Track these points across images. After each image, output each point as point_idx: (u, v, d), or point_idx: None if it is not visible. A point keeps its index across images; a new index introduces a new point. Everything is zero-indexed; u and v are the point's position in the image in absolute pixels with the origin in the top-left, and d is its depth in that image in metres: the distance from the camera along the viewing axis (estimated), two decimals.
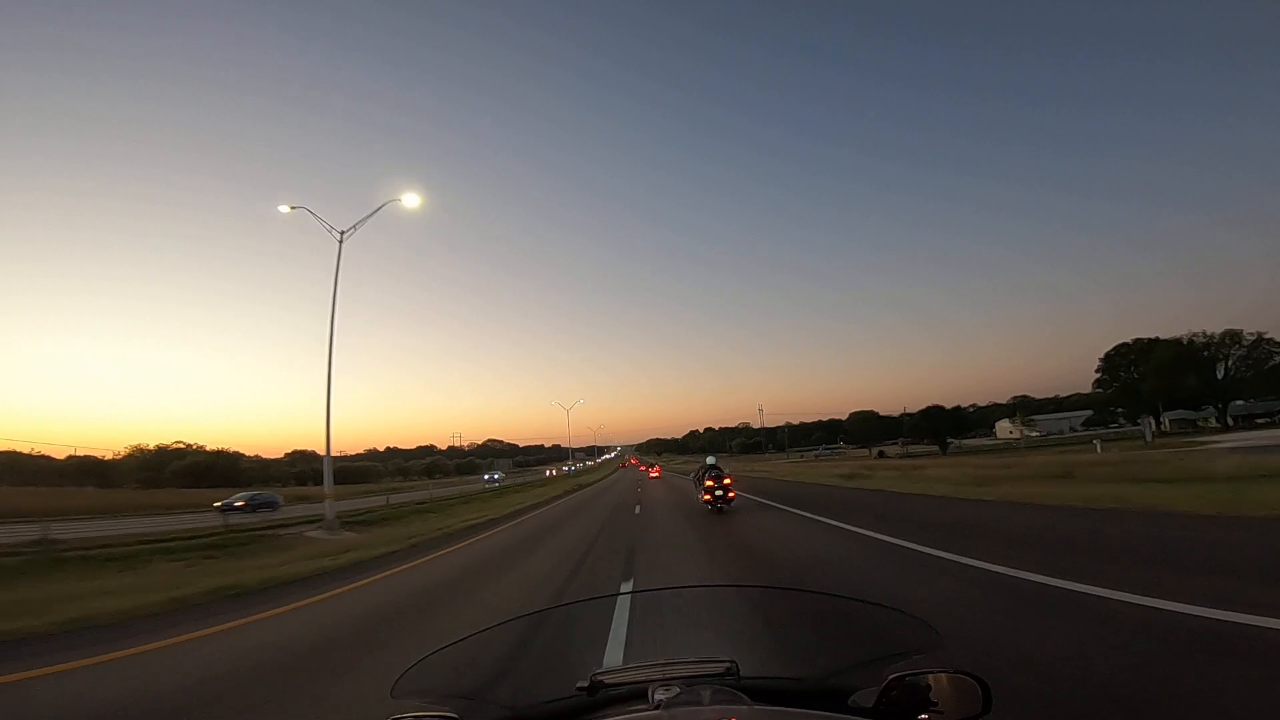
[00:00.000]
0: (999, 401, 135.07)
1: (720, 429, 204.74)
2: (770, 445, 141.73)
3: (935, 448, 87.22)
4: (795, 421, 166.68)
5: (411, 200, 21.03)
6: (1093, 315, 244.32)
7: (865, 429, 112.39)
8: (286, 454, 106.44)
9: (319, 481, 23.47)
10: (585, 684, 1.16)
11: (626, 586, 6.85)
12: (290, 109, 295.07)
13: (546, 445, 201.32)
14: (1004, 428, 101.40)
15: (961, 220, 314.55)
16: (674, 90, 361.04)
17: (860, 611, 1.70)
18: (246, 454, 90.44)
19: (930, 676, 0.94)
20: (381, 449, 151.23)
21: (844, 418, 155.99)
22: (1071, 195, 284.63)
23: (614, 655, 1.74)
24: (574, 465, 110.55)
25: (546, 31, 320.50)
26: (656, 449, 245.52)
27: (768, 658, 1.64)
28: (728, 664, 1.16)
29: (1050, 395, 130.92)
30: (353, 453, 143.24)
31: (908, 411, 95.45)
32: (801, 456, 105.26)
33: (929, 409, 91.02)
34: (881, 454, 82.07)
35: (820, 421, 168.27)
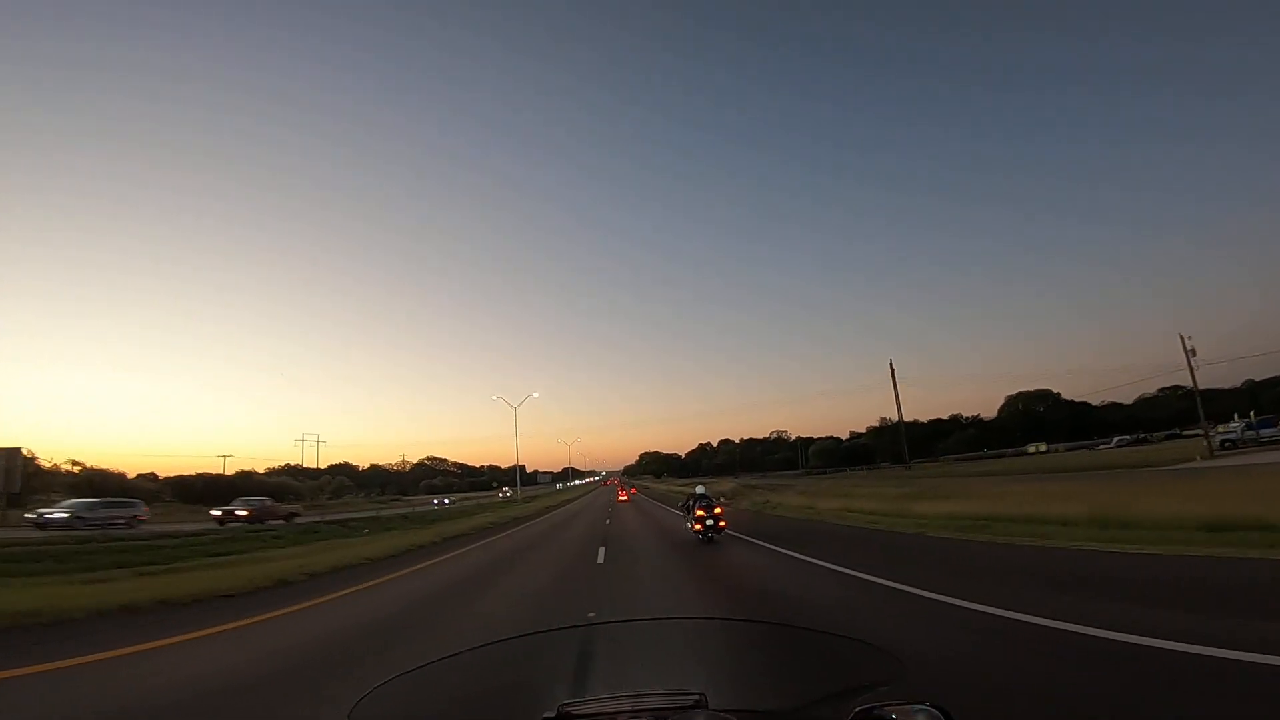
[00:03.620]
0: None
1: (743, 440, 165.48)
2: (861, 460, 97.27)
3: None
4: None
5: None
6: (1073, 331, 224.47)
7: None
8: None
9: None
10: (552, 715, 1.13)
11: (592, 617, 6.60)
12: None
13: (504, 467, 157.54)
14: None
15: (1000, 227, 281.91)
16: (674, 110, 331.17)
17: (826, 644, 1.69)
18: None
19: (896, 709, 0.92)
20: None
21: (989, 414, 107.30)
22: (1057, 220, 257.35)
23: (580, 687, 1.73)
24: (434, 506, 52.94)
25: (515, 49, 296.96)
26: (653, 469, 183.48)
27: (736, 691, 1.62)
28: (697, 696, 1.14)
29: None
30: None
31: None
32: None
33: None
34: None
35: (957, 419, 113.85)
